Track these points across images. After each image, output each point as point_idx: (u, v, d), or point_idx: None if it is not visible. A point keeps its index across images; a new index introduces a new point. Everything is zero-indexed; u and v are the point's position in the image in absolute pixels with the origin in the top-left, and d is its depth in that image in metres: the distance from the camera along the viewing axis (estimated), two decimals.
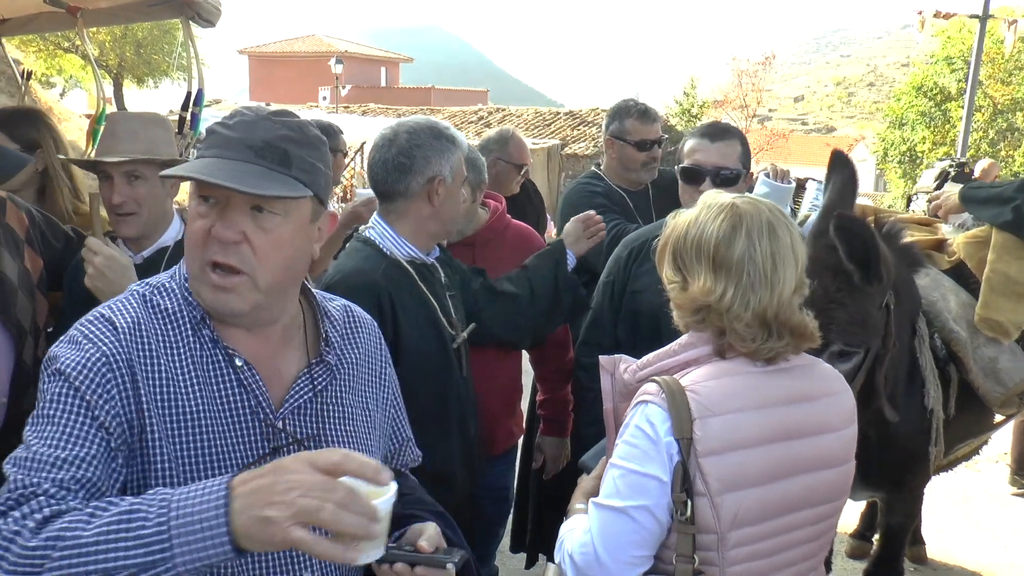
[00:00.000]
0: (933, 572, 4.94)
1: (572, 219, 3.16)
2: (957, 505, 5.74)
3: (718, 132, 3.03)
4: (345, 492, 1.22)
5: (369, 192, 3.63)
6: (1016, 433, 5.86)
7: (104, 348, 1.50)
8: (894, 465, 3.06)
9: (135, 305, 1.59)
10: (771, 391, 1.82)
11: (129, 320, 1.55)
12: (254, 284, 1.55)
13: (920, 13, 20.83)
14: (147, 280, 1.68)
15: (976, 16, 20.46)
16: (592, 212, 3.17)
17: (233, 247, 1.52)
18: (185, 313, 1.59)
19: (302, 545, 1.20)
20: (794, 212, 3.45)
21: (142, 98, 32.26)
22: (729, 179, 2.91)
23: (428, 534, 1.61)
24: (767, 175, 3.16)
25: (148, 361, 1.53)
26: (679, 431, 1.72)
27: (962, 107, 15.31)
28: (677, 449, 1.72)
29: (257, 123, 1.56)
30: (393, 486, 1.35)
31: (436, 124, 2.69)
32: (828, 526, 1.95)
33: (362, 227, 2.81)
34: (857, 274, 2.52)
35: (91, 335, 1.52)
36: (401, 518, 1.67)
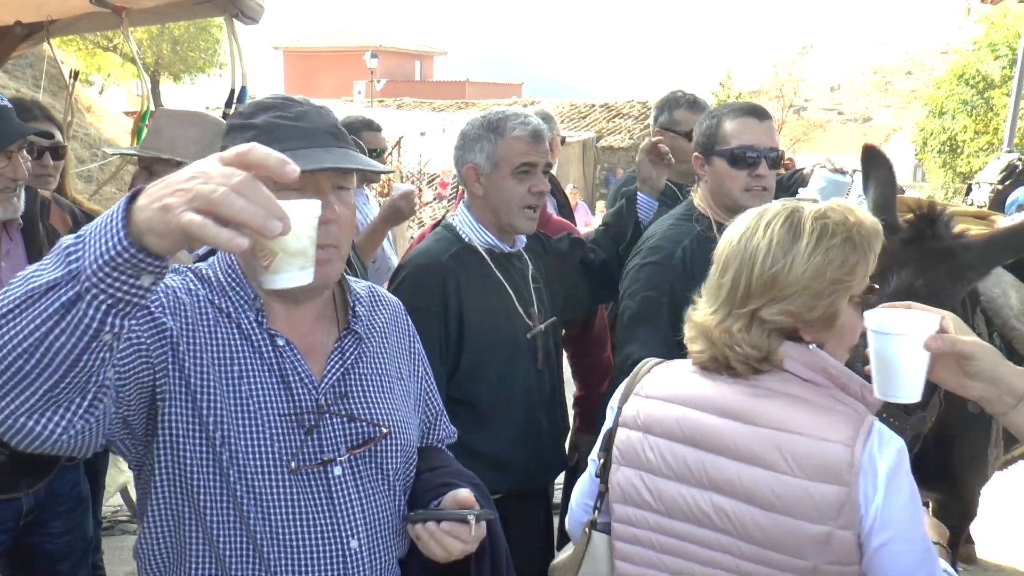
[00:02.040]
0: (983, 572, 4.86)
1: (639, 155, 3.21)
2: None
3: (760, 110, 2.88)
4: (245, 178, 1.14)
5: (406, 186, 3.67)
6: None
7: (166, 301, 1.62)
8: (952, 466, 3.00)
9: (183, 284, 1.68)
10: (703, 395, 1.79)
11: (181, 297, 1.66)
12: (340, 255, 1.70)
13: None
14: (187, 267, 1.76)
15: None
16: (653, 140, 3.19)
17: (330, 226, 1.63)
18: (231, 297, 1.69)
19: (192, 228, 1.12)
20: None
21: (179, 94, 32.59)
22: (777, 161, 2.82)
23: (458, 497, 1.73)
24: (823, 167, 3.09)
25: (193, 337, 1.63)
26: (618, 402, 1.93)
27: (1006, 95, 15.00)
28: (613, 416, 1.92)
29: (315, 112, 1.71)
30: (317, 206, 1.39)
31: (497, 114, 2.74)
32: (767, 573, 1.71)
33: (451, 214, 2.89)
34: (950, 276, 2.50)
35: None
36: (439, 486, 1.82)
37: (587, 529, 1.96)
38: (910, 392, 1.64)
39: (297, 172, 1.20)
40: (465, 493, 1.74)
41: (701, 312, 1.82)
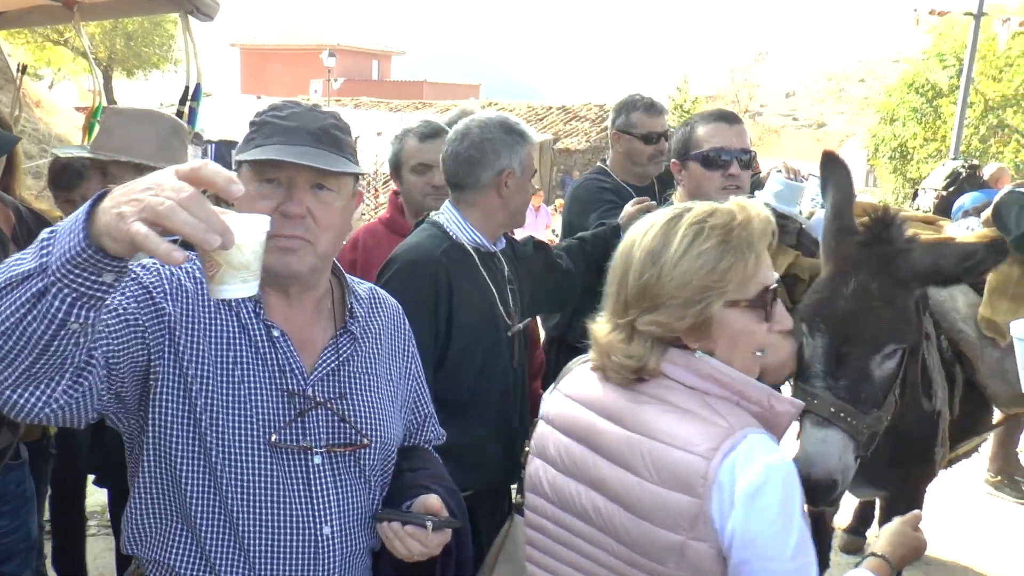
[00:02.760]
0: (927, 567, 4.97)
1: (631, 203, 3.26)
2: (946, 502, 5.79)
3: (731, 116, 3.05)
4: (191, 194, 1.23)
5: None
6: (996, 439, 6.05)
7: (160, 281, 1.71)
8: (899, 465, 3.06)
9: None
10: (595, 396, 1.81)
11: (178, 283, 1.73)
12: (314, 250, 1.75)
13: (915, 10, 20.91)
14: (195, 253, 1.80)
15: (970, 13, 20.54)
16: (652, 202, 3.24)
17: (299, 220, 1.72)
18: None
19: (137, 238, 1.21)
20: None
21: (132, 90, 32.10)
22: (749, 162, 2.96)
23: (428, 501, 1.82)
24: (779, 172, 3.15)
25: (192, 323, 1.71)
26: (547, 395, 1.98)
27: (954, 103, 15.39)
28: (542, 409, 1.97)
29: (308, 114, 1.78)
30: (265, 222, 1.42)
31: (507, 119, 2.82)
32: (629, 573, 1.72)
33: (433, 213, 2.93)
34: (903, 279, 2.56)
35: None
36: (416, 487, 1.89)
37: (510, 513, 2.03)
38: None
39: (241, 191, 1.30)
40: (434, 499, 1.83)
41: (598, 322, 1.82)
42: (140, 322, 1.63)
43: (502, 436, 2.78)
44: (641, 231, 1.74)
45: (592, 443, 1.77)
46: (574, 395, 1.87)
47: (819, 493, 2.50)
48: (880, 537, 1.93)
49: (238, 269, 1.37)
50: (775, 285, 1.72)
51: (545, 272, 3.11)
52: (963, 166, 5.19)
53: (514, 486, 3.37)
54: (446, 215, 2.83)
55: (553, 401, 1.92)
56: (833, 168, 2.88)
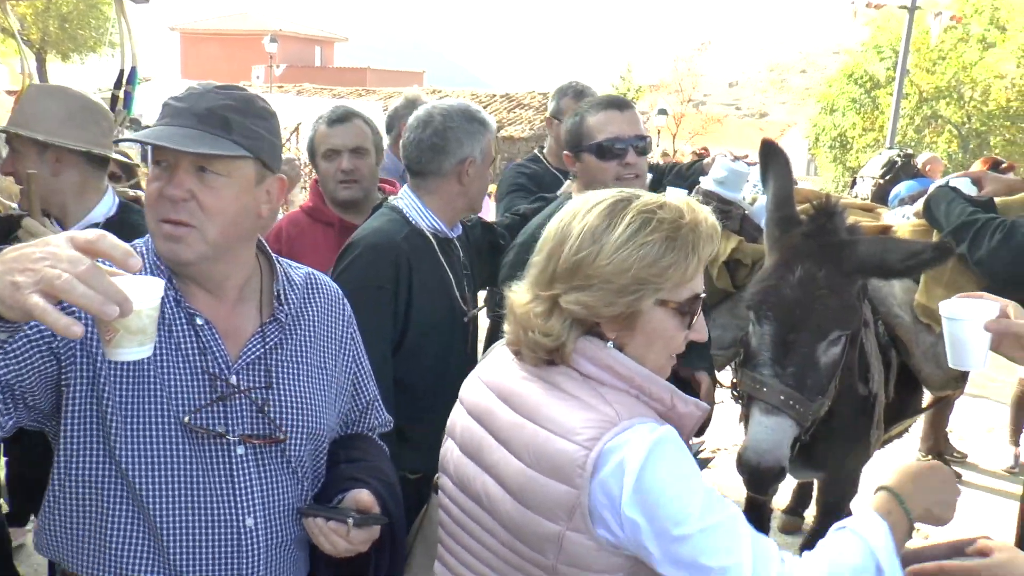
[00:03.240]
0: None
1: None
2: (880, 481, 5.94)
3: (622, 102, 2.94)
4: (88, 267, 1.23)
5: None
6: (926, 420, 6.31)
7: None
8: (837, 447, 3.11)
9: None
10: (500, 376, 1.76)
11: None
12: (203, 237, 1.68)
13: (853, 2, 21.27)
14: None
15: (905, 7, 20.99)
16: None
17: (182, 204, 1.66)
18: (153, 274, 1.72)
19: (35, 311, 1.21)
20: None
21: (68, 73, 31.29)
22: (645, 149, 2.88)
23: (359, 496, 1.79)
24: (724, 156, 3.17)
25: None
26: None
27: (891, 94, 15.71)
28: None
29: (204, 95, 1.72)
30: (160, 287, 1.40)
31: (469, 107, 2.81)
32: (519, 564, 1.65)
33: (392, 197, 2.92)
34: (847, 268, 2.59)
35: None
36: (350, 480, 1.87)
37: (430, 491, 1.98)
38: (976, 363, 2.02)
39: (139, 264, 1.30)
40: (365, 495, 1.80)
41: (516, 291, 1.73)
42: (45, 335, 1.59)
43: None
44: (584, 207, 1.65)
45: (488, 425, 1.73)
46: (483, 376, 1.83)
47: (767, 481, 2.54)
48: (892, 473, 1.75)
49: (135, 334, 1.36)
50: (703, 294, 1.68)
51: (490, 252, 3.13)
52: (899, 155, 5.30)
53: None
54: (405, 200, 2.81)
55: (468, 380, 1.89)
56: (772, 156, 2.91)
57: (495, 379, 1.77)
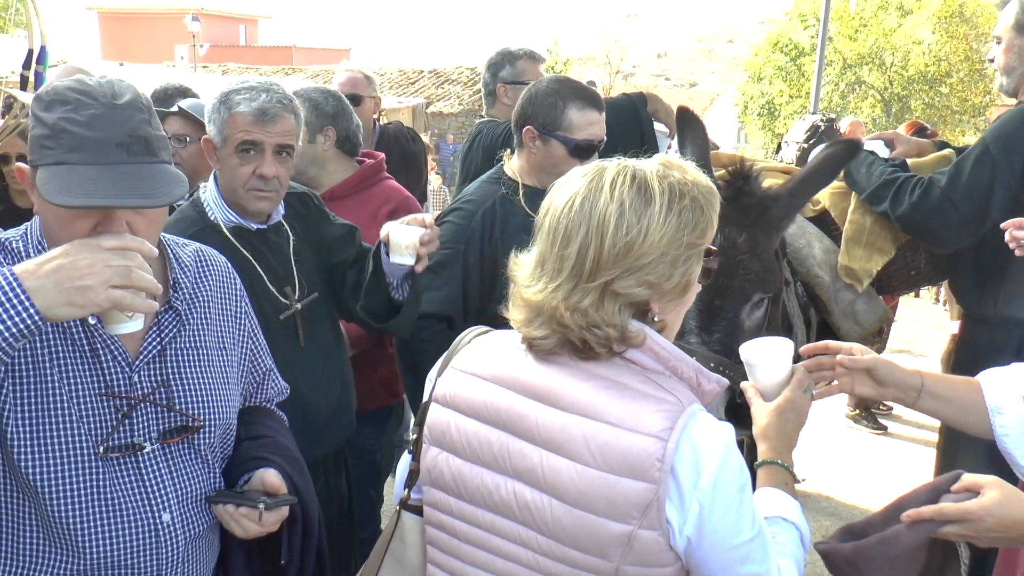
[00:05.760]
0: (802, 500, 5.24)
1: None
2: (809, 436, 6.14)
3: (599, 101, 2.91)
4: (138, 259, 1.49)
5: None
6: None
7: None
8: None
9: None
10: (518, 373, 1.62)
11: None
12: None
13: None
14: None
15: None
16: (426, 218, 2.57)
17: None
18: (37, 252, 1.66)
19: (123, 302, 1.46)
20: None
21: None
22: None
23: (266, 477, 1.81)
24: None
25: None
26: (435, 373, 1.76)
27: (815, 62, 15.98)
28: (430, 389, 1.75)
29: (110, 116, 1.56)
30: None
31: (227, 86, 2.54)
32: (566, 574, 1.56)
33: (202, 185, 2.66)
34: (766, 229, 2.63)
35: None
36: (254, 459, 1.87)
37: (397, 508, 1.83)
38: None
39: (156, 254, 1.54)
40: (272, 475, 1.82)
41: (534, 289, 1.58)
42: None
43: (298, 416, 2.41)
44: (592, 187, 1.55)
45: (515, 428, 1.59)
46: (483, 373, 1.67)
47: None
48: (758, 442, 1.82)
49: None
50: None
51: (353, 275, 2.80)
52: (822, 120, 5.39)
53: (392, 478, 3.27)
54: (210, 191, 2.60)
55: (451, 379, 1.70)
56: (690, 124, 2.94)
57: (505, 375, 1.64)
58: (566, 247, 1.54)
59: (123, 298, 1.45)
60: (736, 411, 2.85)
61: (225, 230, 2.54)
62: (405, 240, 2.41)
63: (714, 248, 1.64)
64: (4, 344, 1.40)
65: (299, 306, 2.63)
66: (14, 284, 1.40)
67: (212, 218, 2.55)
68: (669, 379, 1.56)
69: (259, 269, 2.56)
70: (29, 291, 1.40)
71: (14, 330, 1.40)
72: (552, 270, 1.56)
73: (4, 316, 1.39)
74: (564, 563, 1.54)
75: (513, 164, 3.00)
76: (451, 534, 1.69)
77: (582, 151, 2.83)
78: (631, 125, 3.61)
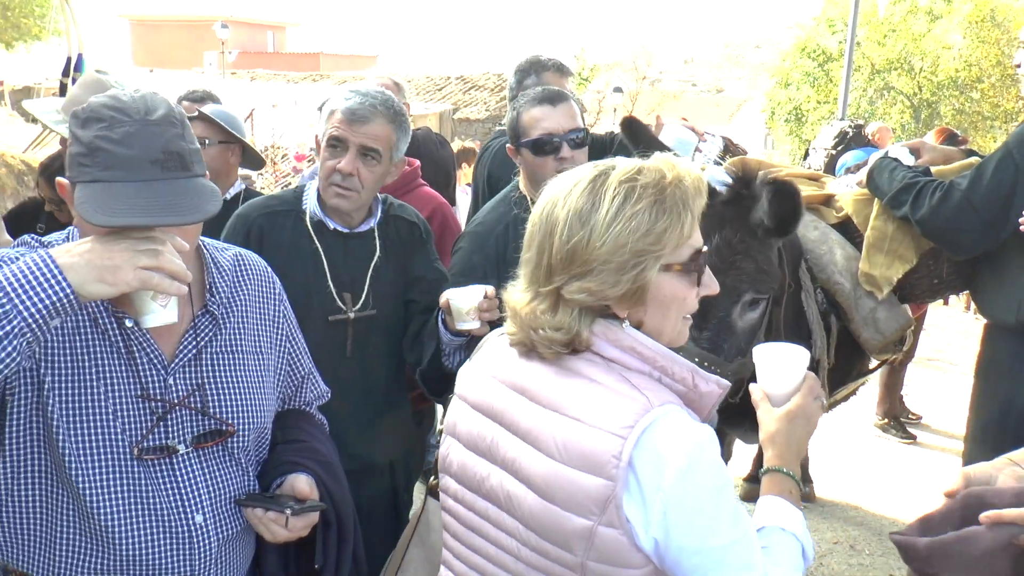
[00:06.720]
0: (821, 508, 5.22)
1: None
2: (838, 445, 6.11)
3: (556, 95, 2.90)
4: (168, 246, 1.54)
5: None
6: (881, 384, 6.54)
7: None
8: None
9: None
10: (508, 369, 1.68)
11: None
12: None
13: None
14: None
15: None
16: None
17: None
18: None
19: (150, 282, 1.49)
20: None
21: (13, 63, 30.59)
22: (582, 141, 2.86)
23: (295, 484, 1.84)
24: (676, 123, 3.22)
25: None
26: (462, 370, 1.83)
27: (843, 67, 15.88)
28: (456, 384, 1.82)
29: (144, 132, 1.60)
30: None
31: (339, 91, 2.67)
32: (542, 564, 1.57)
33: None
34: (765, 228, 2.62)
35: None
36: (287, 463, 1.90)
37: (424, 495, 1.92)
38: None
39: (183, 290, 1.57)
40: (302, 481, 1.84)
41: (514, 291, 1.67)
42: None
43: (335, 425, 2.39)
44: (563, 190, 1.57)
45: (502, 420, 1.65)
46: (488, 368, 1.74)
47: None
48: (764, 448, 1.76)
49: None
50: (705, 248, 1.62)
51: (419, 316, 2.82)
52: (850, 126, 5.38)
53: (423, 481, 3.30)
54: (311, 184, 2.77)
55: (467, 376, 1.79)
56: (634, 131, 3.02)
57: (507, 373, 1.69)
58: (528, 251, 1.62)
59: (151, 278, 1.49)
60: (723, 410, 2.86)
61: (309, 219, 2.65)
62: (466, 305, 2.37)
63: (704, 249, 1.62)
64: (39, 318, 1.44)
65: (352, 315, 2.65)
66: (49, 262, 1.46)
67: (304, 206, 2.67)
68: (649, 379, 1.55)
69: (325, 265, 2.63)
70: (63, 267, 1.45)
71: (48, 303, 1.44)
72: (524, 275, 1.64)
73: (40, 289, 1.44)
74: (539, 553, 1.57)
75: (522, 179, 3.02)
76: (457, 519, 1.75)
77: (540, 149, 2.81)
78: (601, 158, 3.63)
